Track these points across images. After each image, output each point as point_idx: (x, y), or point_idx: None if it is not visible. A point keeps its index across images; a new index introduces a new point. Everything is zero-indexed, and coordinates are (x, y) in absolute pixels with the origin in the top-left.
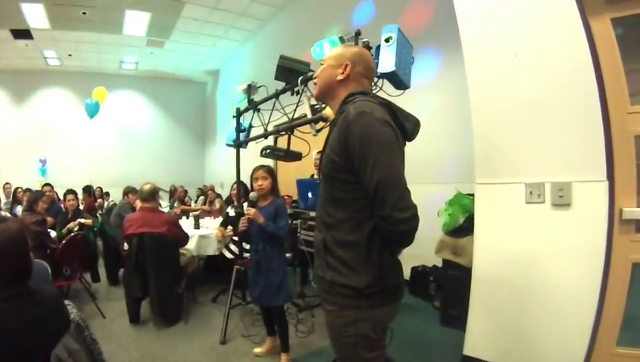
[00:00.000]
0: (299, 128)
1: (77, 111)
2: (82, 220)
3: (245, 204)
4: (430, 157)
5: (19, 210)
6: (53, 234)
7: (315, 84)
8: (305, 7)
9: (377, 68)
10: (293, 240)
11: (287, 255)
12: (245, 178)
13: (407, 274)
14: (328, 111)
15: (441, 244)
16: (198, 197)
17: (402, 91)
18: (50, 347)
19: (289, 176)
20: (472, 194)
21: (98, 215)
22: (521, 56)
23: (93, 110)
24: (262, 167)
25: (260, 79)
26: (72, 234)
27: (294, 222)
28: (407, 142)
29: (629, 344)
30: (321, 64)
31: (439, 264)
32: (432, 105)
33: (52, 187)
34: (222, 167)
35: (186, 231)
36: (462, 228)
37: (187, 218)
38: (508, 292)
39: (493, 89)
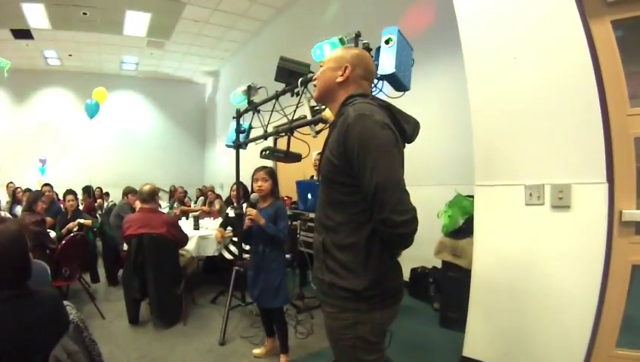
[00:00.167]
0: (298, 129)
1: (77, 111)
2: (82, 220)
3: (245, 205)
4: (430, 158)
5: (18, 210)
6: (52, 234)
7: (314, 85)
8: (305, 8)
9: (377, 70)
10: (292, 242)
11: (287, 256)
12: (245, 179)
13: (406, 275)
14: (328, 113)
15: (441, 246)
16: (197, 198)
17: (402, 93)
18: (49, 347)
19: (289, 177)
20: (472, 196)
21: (98, 215)
22: (521, 58)
23: (93, 110)
24: (263, 168)
25: (260, 80)
26: (72, 234)
27: (294, 223)
28: (406, 144)
29: (629, 346)
30: (321, 66)
31: (439, 265)
32: (432, 107)
33: (52, 187)
34: (221, 168)
35: (185, 231)
36: (461, 229)
37: (187, 219)
38: (507, 293)
39: (493, 91)
